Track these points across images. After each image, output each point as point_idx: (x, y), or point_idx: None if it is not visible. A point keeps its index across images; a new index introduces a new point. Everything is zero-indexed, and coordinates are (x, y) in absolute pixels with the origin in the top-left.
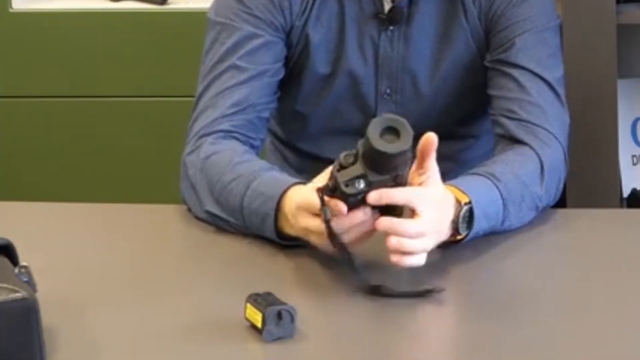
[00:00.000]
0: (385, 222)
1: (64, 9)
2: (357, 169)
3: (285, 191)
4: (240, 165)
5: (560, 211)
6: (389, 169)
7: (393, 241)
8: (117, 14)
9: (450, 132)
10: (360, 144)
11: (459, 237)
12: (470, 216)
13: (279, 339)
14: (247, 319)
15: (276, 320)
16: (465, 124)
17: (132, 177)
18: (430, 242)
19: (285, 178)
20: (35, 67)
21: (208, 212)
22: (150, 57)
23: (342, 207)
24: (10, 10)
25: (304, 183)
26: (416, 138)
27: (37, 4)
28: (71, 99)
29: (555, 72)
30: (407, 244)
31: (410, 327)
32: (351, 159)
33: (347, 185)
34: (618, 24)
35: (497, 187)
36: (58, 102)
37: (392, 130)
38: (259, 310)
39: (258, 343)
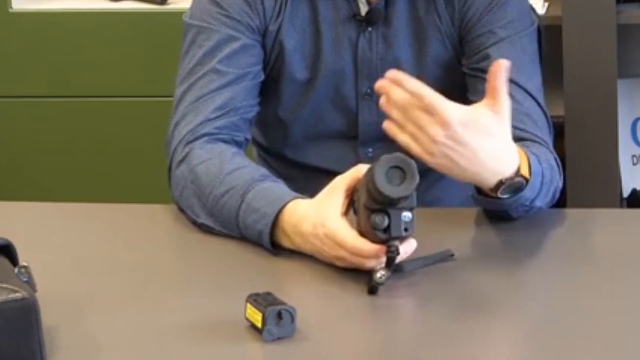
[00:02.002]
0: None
1: (64, 9)
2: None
3: (281, 209)
4: (232, 175)
5: (561, 211)
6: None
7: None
8: (117, 14)
9: None
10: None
11: (493, 195)
12: (516, 189)
13: (279, 339)
14: (247, 319)
15: (276, 320)
16: None
17: (132, 177)
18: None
19: (280, 192)
20: (35, 67)
21: (203, 224)
22: (150, 57)
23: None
24: (10, 10)
25: (300, 197)
26: None
27: (37, 4)
28: (71, 99)
29: (535, 80)
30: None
31: (410, 328)
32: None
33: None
34: (618, 24)
35: (540, 165)
36: (58, 102)
37: (398, 169)
38: (259, 310)
39: (258, 343)
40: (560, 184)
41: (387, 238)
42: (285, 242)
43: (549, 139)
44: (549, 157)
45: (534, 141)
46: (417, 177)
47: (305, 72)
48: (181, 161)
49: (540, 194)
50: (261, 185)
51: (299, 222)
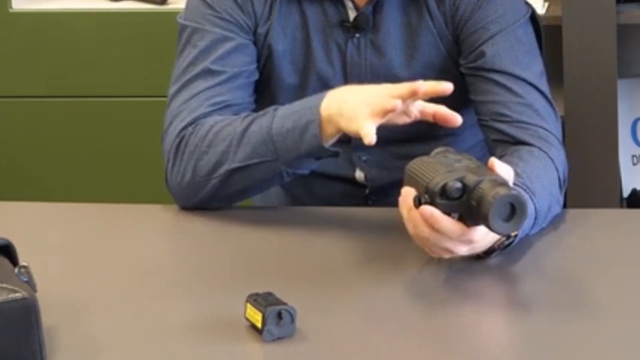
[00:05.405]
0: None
1: (64, 9)
2: (459, 206)
3: (322, 98)
4: (250, 115)
5: (561, 211)
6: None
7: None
8: (117, 14)
9: (429, 133)
10: (476, 192)
11: (506, 243)
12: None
13: (279, 339)
14: (247, 319)
15: (276, 320)
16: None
17: (132, 177)
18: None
19: (313, 96)
20: (35, 67)
21: (222, 175)
22: (150, 57)
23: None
24: (10, 10)
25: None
26: (395, 142)
27: (37, 4)
28: (71, 99)
29: (534, 70)
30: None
31: (409, 328)
32: (458, 194)
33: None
34: (618, 24)
35: (533, 203)
36: (58, 102)
37: (511, 207)
38: (259, 310)
39: (258, 343)
40: (563, 174)
41: (431, 201)
42: (326, 114)
43: (554, 127)
44: (547, 173)
45: (527, 143)
46: (526, 217)
47: (295, 77)
48: (187, 143)
49: (534, 226)
50: (285, 104)
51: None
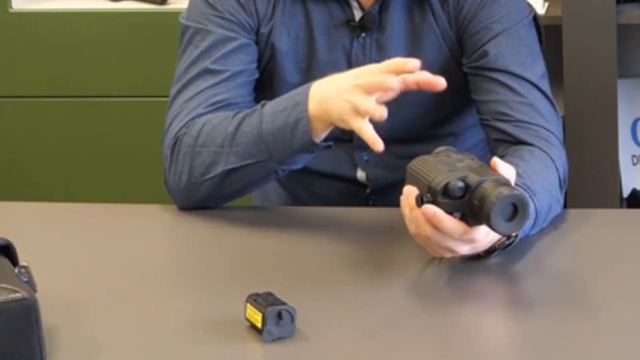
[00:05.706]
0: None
1: (64, 9)
2: (461, 205)
3: (310, 88)
4: (240, 113)
5: (561, 211)
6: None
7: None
8: (117, 14)
9: (429, 134)
10: (478, 191)
11: (506, 243)
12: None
13: (279, 339)
14: (247, 319)
15: (276, 320)
16: (444, 124)
17: (132, 177)
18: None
19: (297, 89)
20: (35, 67)
21: (217, 176)
22: (150, 57)
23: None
24: (10, 10)
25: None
26: (397, 142)
27: (37, 4)
28: (71, 99)
29: (537, 70)
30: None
31: (409, 328)
32: (461, 193)
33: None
34: (618, 24)
35: (534, 203)
36: (58, 102)
37: (513, 207)
38: (259, 310)
39: (258, 343)
40: (563, 174)
41: (432, 199)
42: (317, 125)
43: (555, 127)
44: (547, 173)
45: (528, 143)
46: (529, 217)
47: (299, 77)
48: (180, 143)
49: (534, 226)
50: (271, 101)
51: (328, 81)
